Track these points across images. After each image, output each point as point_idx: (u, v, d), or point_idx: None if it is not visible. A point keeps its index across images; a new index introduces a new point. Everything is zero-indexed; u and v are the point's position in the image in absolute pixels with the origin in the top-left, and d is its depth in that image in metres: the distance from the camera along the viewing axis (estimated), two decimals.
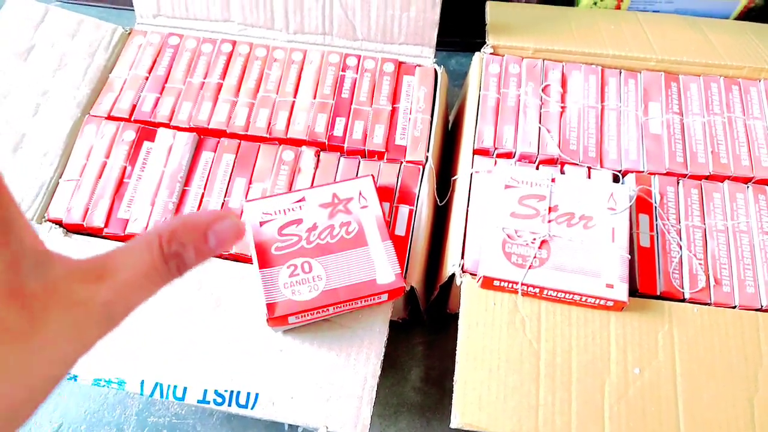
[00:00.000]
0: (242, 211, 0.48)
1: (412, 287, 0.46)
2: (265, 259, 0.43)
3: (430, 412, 0.57)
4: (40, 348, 0.16)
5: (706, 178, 0.49)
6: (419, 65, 0.55)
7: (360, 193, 0.46)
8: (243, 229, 0.22)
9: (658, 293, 0.44)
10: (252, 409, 0.42)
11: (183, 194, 0.49)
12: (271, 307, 0.41)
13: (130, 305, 0.19)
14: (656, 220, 0.47)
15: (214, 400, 0.42)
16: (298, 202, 0.45)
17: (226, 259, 0.47)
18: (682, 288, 0.45)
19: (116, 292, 0.18)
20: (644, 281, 0.45)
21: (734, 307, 0.44)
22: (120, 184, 0.49)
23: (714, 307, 0.44)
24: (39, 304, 0.17)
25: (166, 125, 0.52)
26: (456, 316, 0.44)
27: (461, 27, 0.71)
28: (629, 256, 0.43)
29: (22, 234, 0.17)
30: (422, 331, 0.60)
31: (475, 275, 0.44)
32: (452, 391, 0.41)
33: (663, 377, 0.41)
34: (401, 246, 0.47)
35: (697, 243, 0.46)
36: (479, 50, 0.55)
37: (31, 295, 0.16)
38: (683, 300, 0.44)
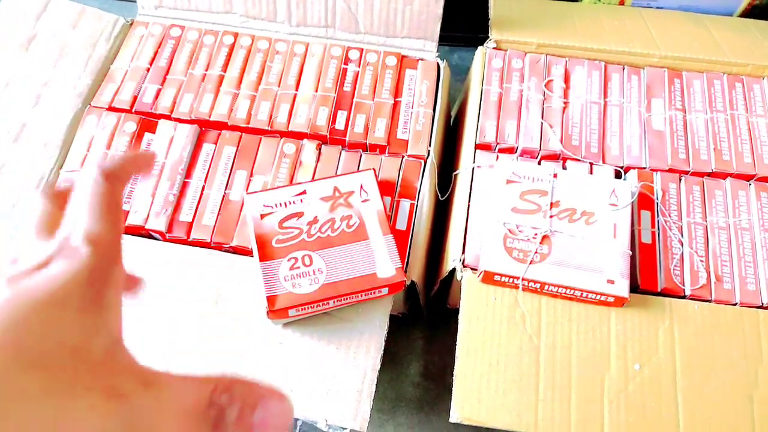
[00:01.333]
0: (243, 204, 0.48)
1: (412, 282, 0.46)
2: (265, 252, 0.43)
3: (428, 407, 0.57)
4: None
5: (708, 175, 0.49)
6: (422, 59, 0.55)
7: (361, 187, 0.46)
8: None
9: (659, 290, 0.44)
10: None
11: (184, 186, 0.49)
12: (271, 299, 0.41)
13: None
14: (658, 217, 0.47)
15: None
16: (299, 195, 0.45)
17: (226, 251, 0.47)
18: (683, 285, 0.44)
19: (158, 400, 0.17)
20: (645, 278, 0.44)
21: (735, 305, 0.44)
22: None
23: (715, 304, 0.44)
24: None
25: (168, 117, 0.52)
26: (456, 312, 0.44)
27: (464, 21, 0.71)
28: (630, 253, 0.43)
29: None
30: (422, 326, 0.60)
31: (476, 270, 0.44)
32: (452, 387, 0.41)
33: (663, 373, 0.41)
34: (402, 240, 0.47)
35: (698, 240, 0.46)
36: (482, 45, 0.55)
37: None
38: (684, 297, 0.44)
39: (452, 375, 0.41)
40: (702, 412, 0.40)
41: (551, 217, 0.44)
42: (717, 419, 0.40)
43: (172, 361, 0.43)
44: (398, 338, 0.59)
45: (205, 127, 0.52)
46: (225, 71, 0.54)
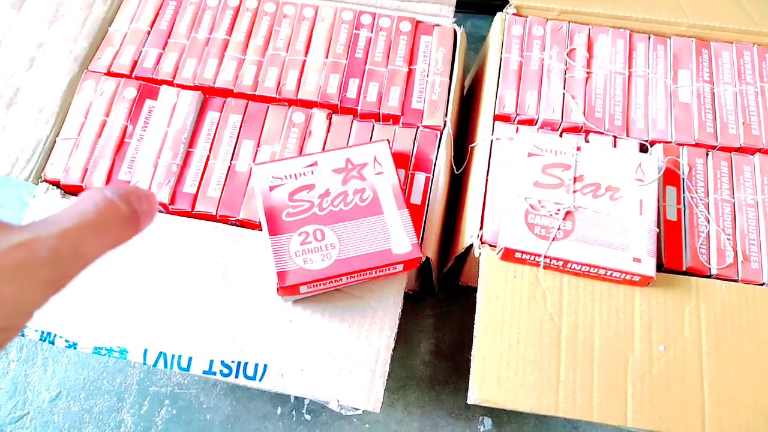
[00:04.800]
0: (250, 175, 0.46)
1: (426, 258, 0.44)
2: (275, 226, 0.41)
3: (439, 386, 0.55)
4: None
5: (737, 150, 0.47)
6: (437, 25, 0.52)
7: (375, 159, 0.44)
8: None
9: (684, 269, 0.43)
10: (260, 380, 0.41)
11: (187, 156, 0.47)
12: (281, 275, 0.39)
13: (81, 250, 0.18)
14: (684, 193, 0.45)
15: (221, 371, 0.41)
16: (310, 166, 0.43)
17: (233, 224, 0.45)
18: (709, 264, 0.43)
19: (60, 236, 0.17)
20: (670, 256, 0.43)
21: (763, 284, 0.42)
22: (121, 144, 0.47)
23: (742, 283, 0.42)
24: None
25: (170, 83, 0.49)
26: (467, 289, 0.42)
27: None
28: (657, 230, 0.41)
29: None
30: (433, 304, 0.59)
31: (495, 247, 0.43)
32: (463, 366, 0.39)
33: (688, 355, 0.40)
34: (417, 215, 0.45)
35: (725, 217, 0.44)
36: (498, 12, 0.52)
37: None
38: (710, 276, 0.43)
39: (463, 354, 0.40)
40: (728, 394, 0.39)
41: (575, 192, 0.42)
42: (744, 402, 0.38)
43: (176, 338, 0.41)
44: (408, 316, 0.58)
45: (210, 93, 0.49)
46: (230, 35, 0.51)
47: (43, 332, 0.42)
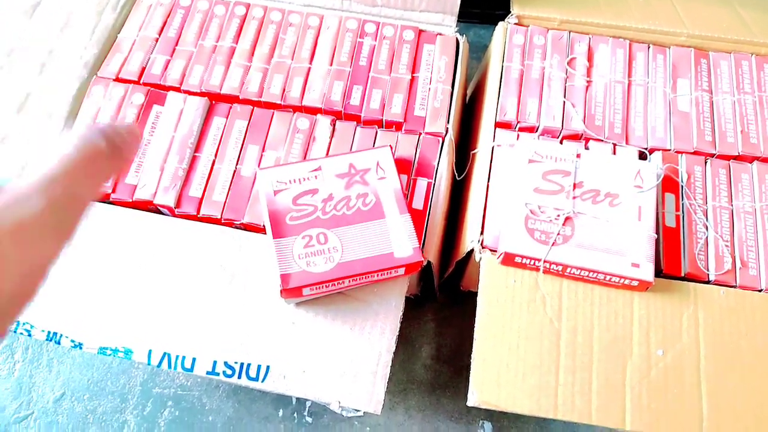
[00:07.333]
0: (255, 179, 0.47)
1: (427, 262, 0.44)
2: (279, 229, 0.42)
3: (440, 390, 0.56)
4: None
5: (735, 158, 0.47)
6: (440, 34, 0.53)
7: (378, 164, 0.44)
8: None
9: (683, 274, 0.43)
10: (263, 381, 0.41)
11: (193, 160, 0.48)
12: (285, 278, 0.40)
13: (74, 192, 0.18)
14: (683, 200, 0.45)
15: (224, 372, 0.41)
16: (313, 171, 0.44)
17: (238, 228, 0.46)
18: (708, 270, 0.43)
19: (49, 185, 0.17)
20: (669, 262, 0.43)
21: (761, 291, 0.43)
22: None
23: (740, 289, 0.43)
24: None
25: (177, 89, 0.50)
26: (468, 294, 0.43)
27: None
28: (656, 236, 0.42)
29: None
30: (434, 308, 0.59)
31: (495, 251, 0.43)
32: (463, 370, 0.40)
33: (687, 360, 0.40)
34: (419, 220, 0.46)
35: (723, 224, 0.45)
36: (500, 22, 0.53)
37: None
38: (708, 282, 0.43)
39: (464, 358, 0.40)
40: (726, 399, 0.39)
41: (574, 198, 0.43)
42: (742, 407, 0.39)
43: (180, 339, 0.42)
44: (410, 320, 0.58)
45: (216, 100, 0.50)
46: (236, 43, 0.52)
47: (49, 332, 0.43)
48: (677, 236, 0.44)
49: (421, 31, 0.53)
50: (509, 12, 0.53)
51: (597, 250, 0.41)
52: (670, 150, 0.48)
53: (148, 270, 0.44)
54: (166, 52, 0.52)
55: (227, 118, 0.49)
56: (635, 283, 0.41)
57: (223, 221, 0.46)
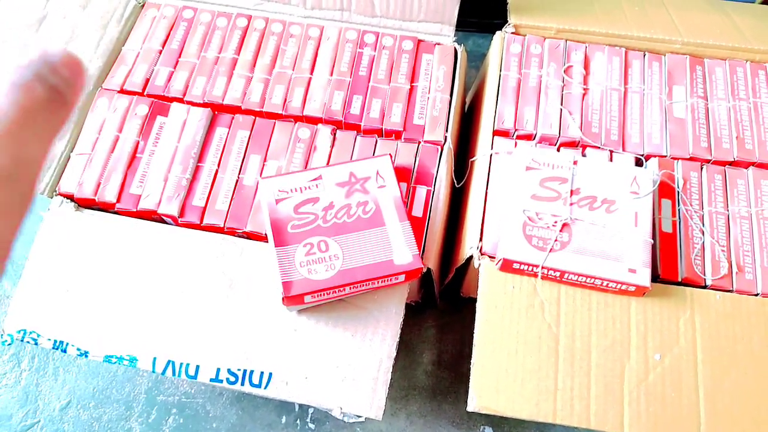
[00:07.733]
0: (257, 189, 0.47)
1: (427, 269, 0.45)
2: (281, 238, 0.42)
3: (441, 396, 0.56)
4: None
5: (731, 163, 0.48)
6: (438, 43, 0.54)
7: (377, 173, 0.45)
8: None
9: (680, 279, 0.44)
10: (265, 388, 0.42)
11: (196, 170, 0.48)
12: (287, 285, 0.41)
13: (25, 156, 0.15)
14: (679, 206, 0.46)
15: (227, 379, 0.42)
16: (314, 180, 0.45)
17: (240, 236, 0.46)
18: (704, 274, 0.44)
19: None
20: (666, 267, 0.44)
21: (757, 295, 0.43)
22: (132, 159, 0.49)
23: (736, 294, 0.43)
24: None
25: (180, 100, 0.51)
26: (469, 300, 0.43)
27: (479, 7, 0.70)
28: (652, 241, 0.43)
29: None
30: (435, 315, 0.60)
31: (494, 258, 0.44)
32: (464, 376, 0.40)
33: (684, 363, 0.40)
34: (418, 227, 0.46)
35: (720, 229, 0.45)
36: (497, 31, 0.54)
37: None
38: (705, 287, 0.44)
39: (465, 364, 0.41)
40: (723, 402, 0.39)
41: (571, 204, 0.43)
42: (739, 410, 0.39)
43: (184, 347, 0.43)
44: (411, 327, 0.59)
45: (219, 110, 0.51)
46: (238, 54, 0.53)
47: (55, 341, 0.43)
48: (674, 242, 0.45)
49: (419, 40, 0.54)
50: (506, 21, 0.54)
51: (594, 256, 0.42)
52: (666, 156, 0.48)
53: (153, 279, 0.45)
54: (170, 64, 0.53)
55: (229, 128, 0.50)
56: (632, 289, 0.41)
57: (225, 230, 0.47)
